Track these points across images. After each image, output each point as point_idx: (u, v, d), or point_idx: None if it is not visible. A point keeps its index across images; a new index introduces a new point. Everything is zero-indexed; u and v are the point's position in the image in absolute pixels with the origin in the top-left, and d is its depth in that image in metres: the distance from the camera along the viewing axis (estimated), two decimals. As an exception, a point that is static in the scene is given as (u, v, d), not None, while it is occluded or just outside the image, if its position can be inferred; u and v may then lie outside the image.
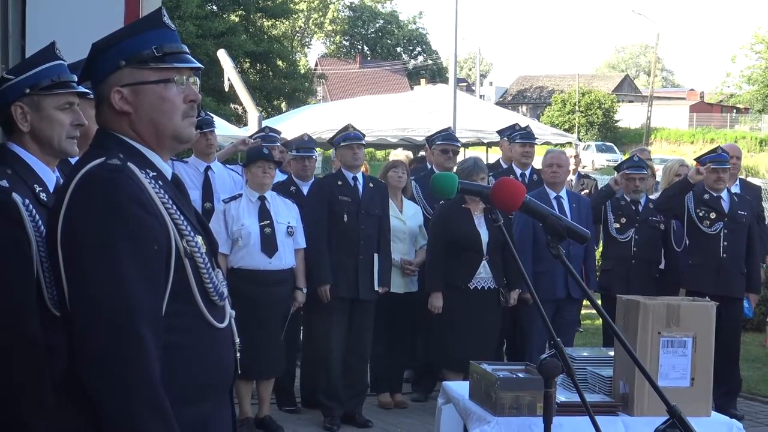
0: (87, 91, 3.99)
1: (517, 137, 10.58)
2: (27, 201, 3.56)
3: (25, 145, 3.75)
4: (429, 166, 10.50)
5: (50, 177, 3.77)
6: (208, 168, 8.73)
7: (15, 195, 3.54)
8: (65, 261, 2.70)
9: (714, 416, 5.31)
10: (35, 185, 3.67)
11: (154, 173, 2.82)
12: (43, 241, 3.54)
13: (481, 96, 65.93)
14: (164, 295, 2.73)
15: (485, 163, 9.44)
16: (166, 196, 2.78)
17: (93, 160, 2.77)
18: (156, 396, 2.62)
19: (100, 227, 2.65)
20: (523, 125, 11.39)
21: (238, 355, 3.02)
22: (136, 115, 2.86)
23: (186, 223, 2.81)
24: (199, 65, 2.99)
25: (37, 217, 3.56)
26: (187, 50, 2.96)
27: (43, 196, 3.66)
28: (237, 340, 3.02)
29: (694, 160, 9.71)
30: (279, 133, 10.57)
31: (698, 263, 9.01)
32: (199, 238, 2.83)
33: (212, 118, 9.26)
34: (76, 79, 3.85)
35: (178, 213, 2.79)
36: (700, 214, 9.06)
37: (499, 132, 11.80)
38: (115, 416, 2.60)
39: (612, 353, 5.52)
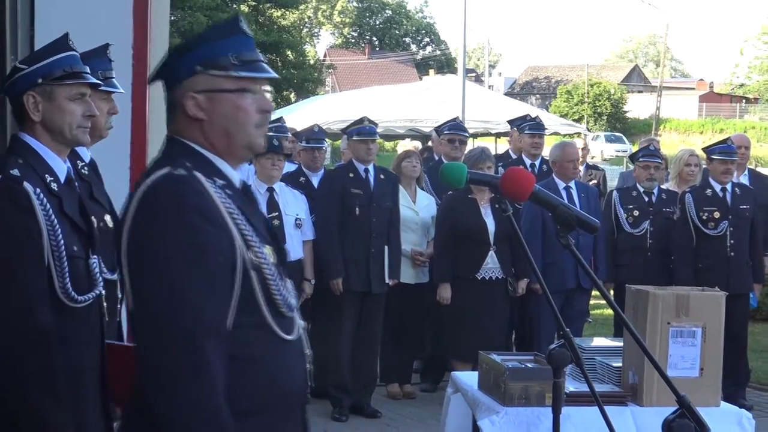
0: (99, 82, 4.00)
1: (527, 128, 10.58)
2: (38, 190, 3.58)
3: (36, 134, 3.76)
4: (436, 157, 10.51)
5: (61, 167, 3.78)
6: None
7: (26, 184, 3.55)
8: (129, 273, 2.68)
9: (723, 406, 5.30)
10: (46, 175, 3.68)
11: (223, 182, 2.78)
12: (54, 230, 3.56)
13: (489, 86, 65.87)
14: (230, 307, 2.69)
15: (494, 153, 9.44)
16: (234, 206, 2.73)
17: (159, 169, 2.73)
18: (218, 412, 2.59)
19: (163, 240, 2.62)
20: (533, 116, 11.38)
21: (310, 366, 2.96)
22: (210, 122, 2.82)
23: (254, 233, 2.75)
24: (275, 75, 2.95)
25: (48, 206, 3.57)
26: (263, 59, 2.93)
27: (54, 185, 3.67)
28: (308, 352, 2.96)
29: (702, 150, 9.69)
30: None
31: (708, 266, 8.93)
32: (267, 249, 2.79)
33: None
34: (88, 70, 3.87)
35: (246, 223, 2.74)
36: (704, 217, 8.98)
37: (510, 122, 11.80)
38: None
39: (621, 343, 5.52)
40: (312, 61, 55.71)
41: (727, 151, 9.04)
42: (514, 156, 10.96)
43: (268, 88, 2.93)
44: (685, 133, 67.05)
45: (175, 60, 2.84)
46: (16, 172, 3.60)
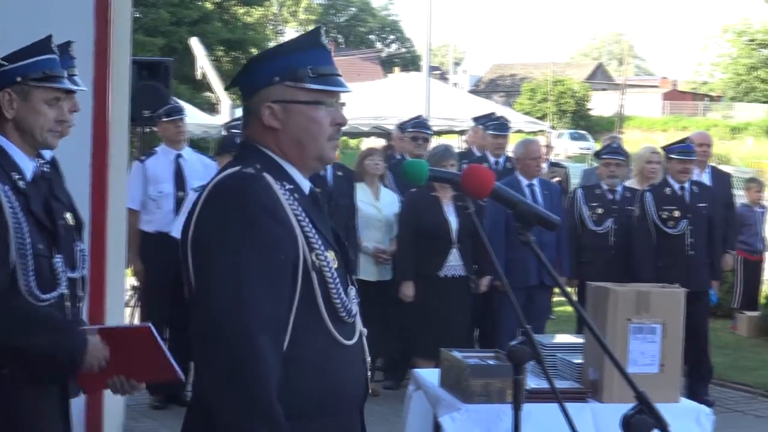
0: (74, 89, 3.99)
1: (491, 128, 10.64)
2: (6, 187, 3.57)
3: (5, 132, 3.75)
4: (398, 156, 10.53)
5: (27, 165, 3.78)
6: (178, 156, 8.72)
7: None
8: (194, 267, 2.74)
9: (683, 402, 5.35)
10: (13, 173, 3.67)
11: (291, 186, 2.83)
12: (20, 228, 3.55)
13: (454, 84, 65.94)
14: (289, 306, 2.73)
15: (458, 151, 9.47)
16: (300, 209, 2.79)
17: (231, 168, 2.82)
18: (270, 407, 2.62)
19: (226, 234, 2.68)
20: (498, 115, 11.42)
21: (370, 373, 3.01)
22: (284, 132, 2.88)
23: (318, 236, 2.80)
24: (349, 89, 3.02)
25: (16, 204, 3.56)
26: (339, 73, 2.98)
27: (21, 183, 3.66)
28: (368, 359, 3.00)
29: (662, 149, 9.76)
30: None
31: (668, 264, 8.99)
32: (330, 253, 2.83)
33: (182, 105, 9.24)
34: (66, 75, 3.87)
35: (310, 226, 2.79)
36: (664, 216, 9.05)
37: (475, 119, 11.86)
38: (230, 426, 2.62)
39: (582, 340, 5.55)
40: (277, 59, 55.39)
41: (685, 151, 9.09)
42: (477, 153, 11.00)
43: (342, 101, 3.01)
44: (649, 130, 67.39)
45: (255, 68, 2.91)
46: None
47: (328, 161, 3.01)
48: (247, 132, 2.94)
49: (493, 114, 11.56)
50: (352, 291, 2.94)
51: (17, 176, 3.68)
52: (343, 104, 3.03)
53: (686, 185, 9.14)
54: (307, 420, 2.75)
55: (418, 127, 10.22)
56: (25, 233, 3.58)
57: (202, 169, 8.70)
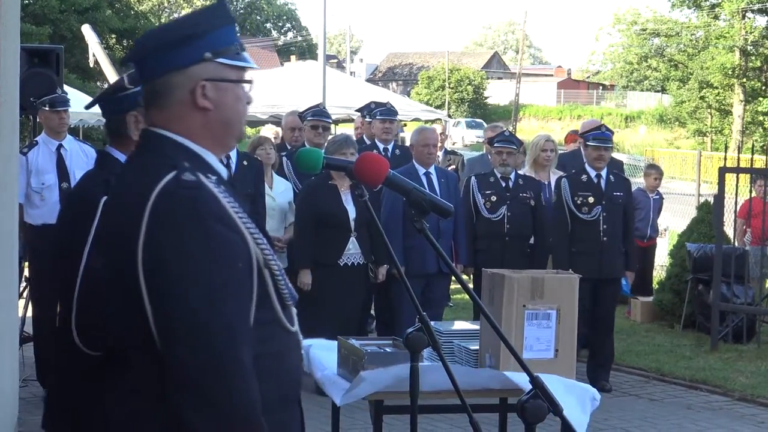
0: None
1: (378, 113, 10.67)
2: None
3: (128, 151, 3.67)
4: (288, 146, 10.48)
5: None
6: (60, 146, 8.60)
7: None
8: (152, 289, 2.52)
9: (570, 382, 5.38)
10: None
11: (215, 177, 2.69)
12: None
13: (351, 73, 66.00)
14: (252, 310, 2.63)
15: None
16: (237, 205, 2.64)
17: (157, 171, 2.60)
18: (259, 425, 2.55)
19: (191, 253, 2.51)
20: (383, 102, 11.44)
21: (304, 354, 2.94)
22: (215, 112, 2.71)
23: (258, 231, 2.68)
24: (256, 66, 2.91)
25: None
26: None
27: None
28: (303, 341, 2.93)
29: (579, 135, 9.85)
30: None
31: (581, 250, 9.10)
32: (267, 241, 2.73)
33: (67, 96, 9.08)
34: None
35: (251, 222, 2.66)
36: (578, 202, 9.15)
37: (358, 110, 11.92)
38: None
39: (479, 327, 5.59)
40: (172, 47, 54.82)
41: (600, 138, 9.19)
42: (367, 142, 11.04)
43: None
44: (544, 119, 68.34)
45: (175, 43, 2.69)
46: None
47: (241, 139, 2.92)
48: (157, 116, 2.72)
49: (372, 103, 11.61)
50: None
51: None
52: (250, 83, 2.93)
53: (603, 173, 9.25)
54: (268, 415, 2.63)
55: (318, 116, 10.19)
56: None
57: (84, 159, 8.57)
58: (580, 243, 9.16)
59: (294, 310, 2.82)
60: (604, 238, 9.15)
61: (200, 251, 2.52)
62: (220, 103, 2.71)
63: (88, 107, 4.27)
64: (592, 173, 9.23)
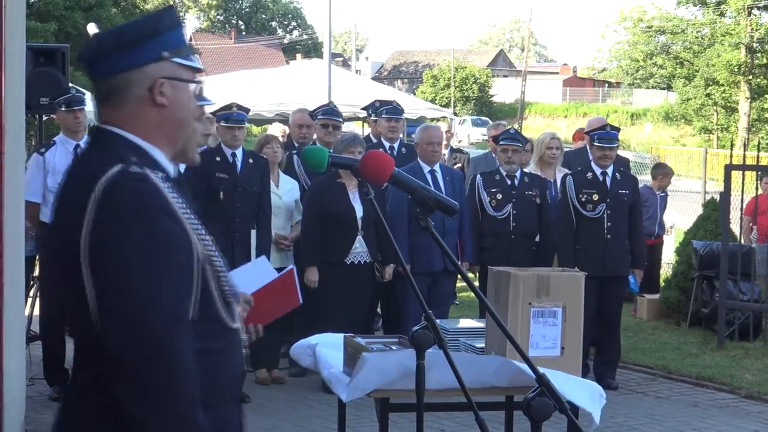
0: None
1: (384, 112, 10.67)
2: None
3: None
4: (296, 144, 10.49)
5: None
6: (77, 146, 8.60)
7: None
8: (95, 278, 2.57)
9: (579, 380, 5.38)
10: None
11: (163, 174, 2.72)
12: None
13: (357, 71, 66.01)
14: (193, 304, 2.65)
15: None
16: (182, 202, 2.69)
17: (104, 164, 2.64)
18: (194, 416, 2.57)
19: (136, 243, 2.55)
20: (388, 101, 11.45)
21: (246, 351, 2.96)
22: (170, 110, 2.77)
23: (201, 226, 2.72)
24: (203, 68, 2.96)
25: None
26: None
27: None
28: (244, 337, 2.96)
29: (585, 134, 9.83)
30: None
31: (585, 248, 9.10)
32: (211, 238, 2.76)
33: (84, 95, 9.11)
34: None
35: (193, 217, 2.70)
36: (583, 199, 9.15)
37: (364, 108, 11.92)
38: None
39: (484, 325, 5.58)
40: (178, 46, 54.82)
41: (605, 138, 9.18)
42: (374, 140, 11.04)
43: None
44: (550, 117, 68.22)
45: (132, 42, 2.75)
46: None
47: (199, 143, 2.94)
48: (110, 114, 2.76)
49: (377, 101, 11.62)
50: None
51: None
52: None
53: (609, 171, 9.24)
54: (208, 410, 2.68)
55: (328, 115, 10.19)
56: None
57: None
58: (584, 241, 9.15)
59: (237, 307, 2.85)
60: (608, 236, 9.14)
61: (142, 240, 2.56)
62: (175, 100, 2.78)
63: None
64: (598, 171, 9.22)
